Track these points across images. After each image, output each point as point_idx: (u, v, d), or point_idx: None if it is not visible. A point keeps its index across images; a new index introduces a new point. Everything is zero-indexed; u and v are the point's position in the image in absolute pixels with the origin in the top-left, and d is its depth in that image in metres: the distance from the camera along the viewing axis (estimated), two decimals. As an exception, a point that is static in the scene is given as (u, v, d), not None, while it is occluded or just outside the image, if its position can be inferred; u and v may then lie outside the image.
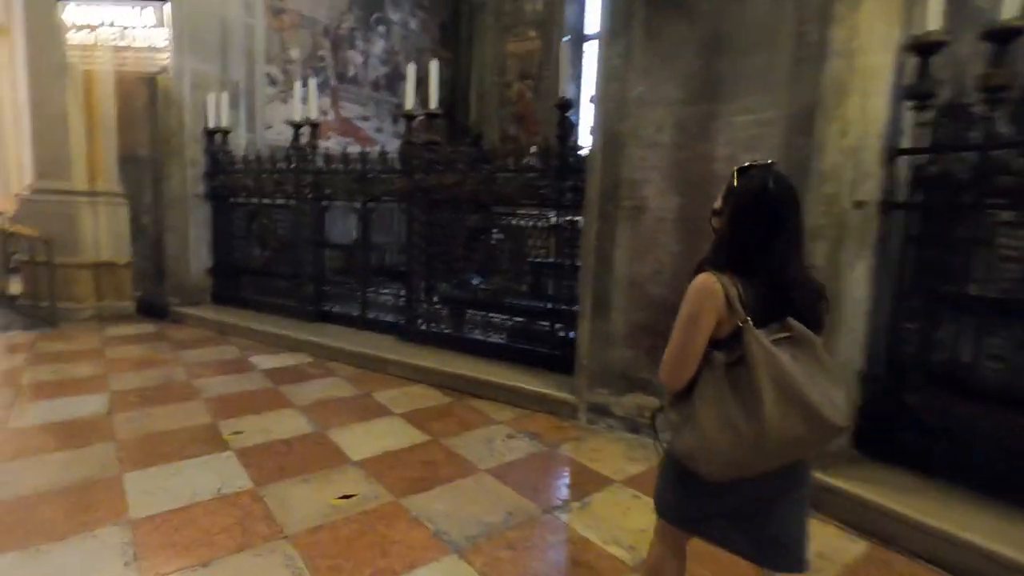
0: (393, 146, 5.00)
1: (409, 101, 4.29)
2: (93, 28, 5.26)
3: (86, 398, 3.41)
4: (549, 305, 3.84)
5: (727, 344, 1.13)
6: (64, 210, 5.53)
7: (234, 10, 6.05)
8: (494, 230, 4.13)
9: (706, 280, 1.15)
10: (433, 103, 4.23)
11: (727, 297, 1.11)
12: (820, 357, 1.12)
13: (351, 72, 7.64)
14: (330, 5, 7.18)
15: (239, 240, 5.77)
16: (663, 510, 1.34)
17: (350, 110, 7.70)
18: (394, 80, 8.37)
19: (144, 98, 5.68)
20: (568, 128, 3.65)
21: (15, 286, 5.89)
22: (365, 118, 7.98)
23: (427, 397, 3.67)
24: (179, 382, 3.79)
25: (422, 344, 4.37)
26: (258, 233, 5.62)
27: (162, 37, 5.33)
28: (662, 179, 2.90)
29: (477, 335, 4.20)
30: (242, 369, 4.17)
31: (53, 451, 2.69)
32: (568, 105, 3.65)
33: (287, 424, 3.13)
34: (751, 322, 1.10)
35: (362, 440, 2.95)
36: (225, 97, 5.70)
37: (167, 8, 5.25)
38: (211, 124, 5.70)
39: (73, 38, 5.24)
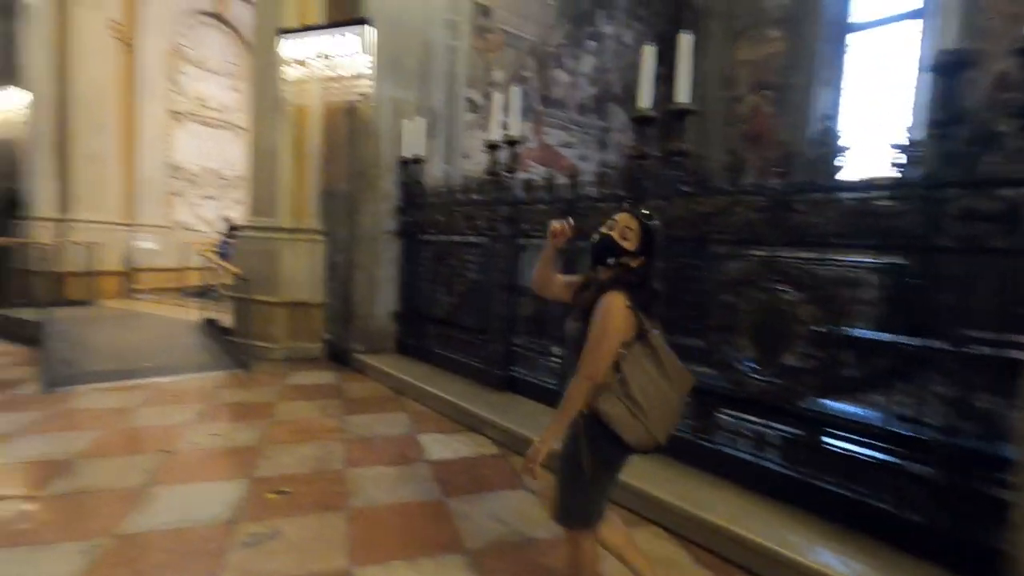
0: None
1: (644, 97, 2.99)
2: (305, 63, 5.10)
3: (219, 488, 2.68)
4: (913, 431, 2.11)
5: (632, 340, 1.56)
6: (267, 247, 5.40)
7: (438, 32, 5.54)
8: (775, 282, 2.55)
9: (620, 302, 1.54)
10: (683, 94, 2.87)
11: (635, 313, 1.55)
12: (663, 336, 1.64)
13: (556, 94, 6.73)
14: (538, 20, 6.40)
15: (426, 283, 5.04)
16: (586, 517, 1.66)
17: (553, 136, 6.78)
18: (603, 102, 7.30)
19: (344, 130, 5.37)
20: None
21: (228, 318, 5.97)
22: (568, 145, 6.99)
23: (666, 556, 2.20)
24: (330, 474, 2.91)
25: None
26: (445, 275, 4.82)
27: (365, 63, 4.94)
28: None
29: (744, 451, 2.61)
30: (407, 457, 3.18)
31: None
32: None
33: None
34: (648, 325, 1.58)
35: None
36: (423, 124, 5.12)
37: (370, 32, 4.85)
38: (406, 154, 5.14)
39: (287, 74, 5.12)
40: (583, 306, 1.63)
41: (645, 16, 7.51)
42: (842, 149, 2.38)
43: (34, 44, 8.10)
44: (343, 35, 4.92)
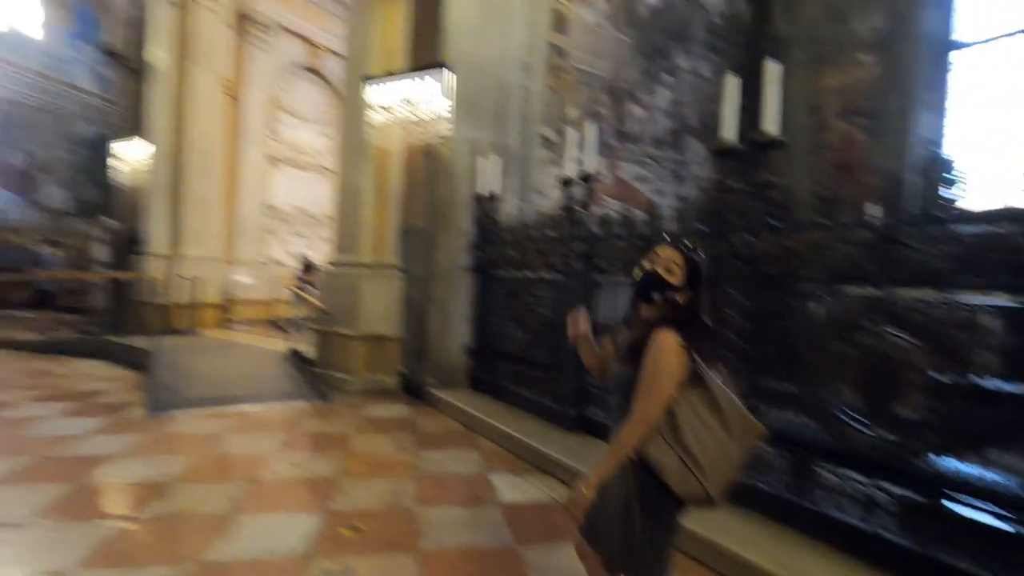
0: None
1: (728, 127, 2.88)
2: (388, 108, 5.37)
3: (297, 520, 2.72)
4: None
5: (686, 383, 1.45)
6: (350, 282, 5.63)
7: (513, 73, 5.69)
8: (883, 325, 2.30)
9: (675, 340, 1.43)
10: (770, 124, 2.73)
11: (689, 352, 1.44)
12: (728, 382, 1.51)
13: (631, 128, 6.69)
14: (612, 57, 6.44)
15: (498, 318, 5.05)
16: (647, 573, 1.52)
17: (627, 170, 6.71)
18: (679, 135, 7.16)
19: (423, 169, 5.58)
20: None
21: (312, 349, 6.24)
22: (643, 179, 6.88)
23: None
24: (402, 511, 2.89)
25: (734, 503, 2.68)
26: (517, 311, 4.80)
27: (444, 106, 5.14)
28: None
29: (850, 514, 2.32)
30: (479, 498, 3.11)
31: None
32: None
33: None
34: (703, 366, 1.45)
35: None
36: (497, 162, 5.22)
37: (449, 77, 5.05)
38: (481, 191, 5.25)
39: (372, 118, 5.41)
40: (630, 346, 1.54)
41: (722, 47, 7.36)
42: (955, 177, 2.15)
43: (158, 101, 9.15)
44: (423, 80, 5.16)
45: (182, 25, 9.26)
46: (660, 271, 1.53)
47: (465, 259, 5.36)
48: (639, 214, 3.73)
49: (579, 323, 1.77)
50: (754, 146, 2.87)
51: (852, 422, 2.34)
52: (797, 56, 7.81)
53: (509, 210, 5.44)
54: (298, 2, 11.24)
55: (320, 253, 10.31)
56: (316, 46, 11.74)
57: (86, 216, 12.61)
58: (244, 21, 10.42)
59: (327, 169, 11.81)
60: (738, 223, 2.81)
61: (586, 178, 4.02)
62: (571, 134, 4.28)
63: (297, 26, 11.33)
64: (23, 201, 14.08)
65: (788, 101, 3.71)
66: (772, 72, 2.74)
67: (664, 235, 3.45)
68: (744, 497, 2.60)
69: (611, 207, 5.97)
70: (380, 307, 5.64)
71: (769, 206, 2.75)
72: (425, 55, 5.45)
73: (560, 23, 6.17)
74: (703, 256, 1.60)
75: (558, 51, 6.16)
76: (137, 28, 9.65)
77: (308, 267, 8.97)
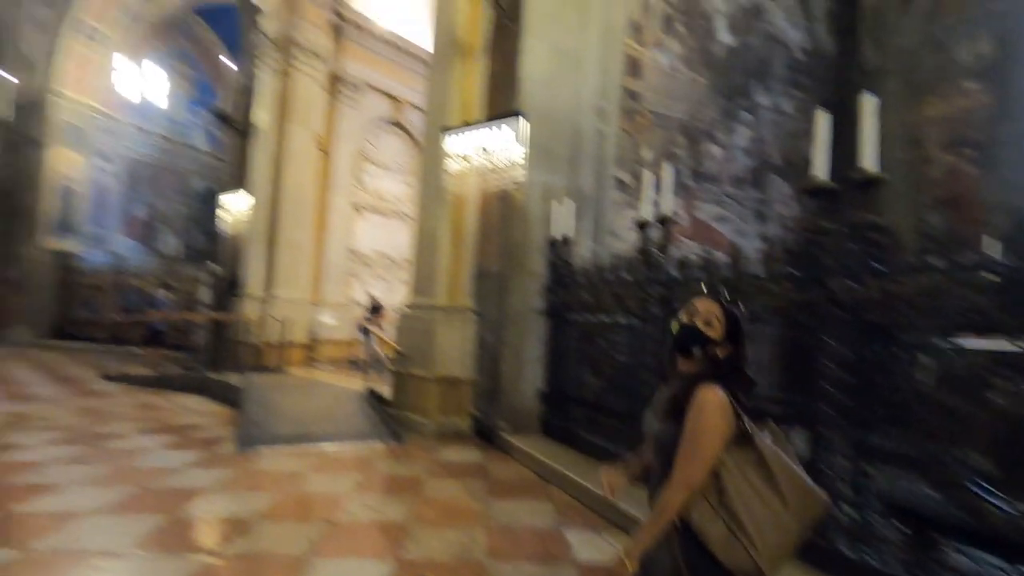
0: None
1: (820, 165, 2.71)
2: (464, 156, 5.57)
3: (370, 567, 2.71)
4: None
5: (732, 443, 1.35)
6: (425, 325, 5.76)
7: (586, 118, 5.75)
8: (1021, 382, 1.99)
9: (720, 396, 1.35)
10: (868, 160, 2.54)
11: (735, 409, 1.35)
12: (786, 445, 1.41)
13: (708, 168, 6.52)
14: (688, 98, 6.37)
15: (572, 363, 4.94)
16: None
17: (705, 211, 6.50)
18: (761, 174, 6.89)
19: (497, 214, 5.68)
20: None
21: (388, 390, 6.38)
22: (723, 219, 6.64)
23: None
24: (473, 564, 2.80)
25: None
26: (592, 356, 4.67)
27: (519, 153, 5.25)
28: None
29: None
30: (552, 555, 2.96)
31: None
32: None
33: None
34: (752, 425, 1.36)
35: None
36: (571, 206, 5.23)
37: (523, 124, 5.17)
38: (555, 234, 5.25)
39: (449, 166, 5.63)
40: (670, 402, 1.46)
41: (807, 83, 7.09)
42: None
43: (259, 157, 10.07)
44: (499, 128, 5.32)
45: (283, 89, 10.23)
46: (699, 324, 1.47)
47: (538, 302, 5.33)
48: (721, 256, 3.56)
49: (612, 485, 1.67)
50: (849, 184, 2.67)
51: (986, 495, 2.03)
52: (891, 88, 7.38)
53: (583, 253, 5.40)
54: (384, 63, 12.13)
55: (398, 295, 10.68)
56: (399, 101, 12.54)
57: (195, 261, 13.91)
58: (337, 82, 11.34)
59: (406, 215, 12.38)
60: (835, 266, 2.60)
61: (663, 220, 3.92)
62: (647, 176, 4.22)
63: (382, 84, 12.19)
64: (144, 248, 15.80)
65: (884, 135, 3.47)
66: (868, 106, 2.57)
67: (701, 286, 3.29)
68: (853, 574, 2.29)
69: (689, 249, 5.78)
70: (454, 349, 5.70)
71: (870, 248, 2.53)
72: (500, 105, 5.64)
73: (634, 67, 6.21)
74: (742, 309, 1.57)
75: (632, 95, 6.18)
76: (246, 94, 10.78)
77: (375, 308, 9.29)
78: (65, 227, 13.57)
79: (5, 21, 13.01)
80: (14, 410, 5.91)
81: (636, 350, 4.07)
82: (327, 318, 10.97)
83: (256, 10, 10.48)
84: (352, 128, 11.76)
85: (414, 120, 12.30)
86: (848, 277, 2.55)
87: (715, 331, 1.46)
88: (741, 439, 1.35)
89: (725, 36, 6.76)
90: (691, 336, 1.47)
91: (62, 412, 5.93)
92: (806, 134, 7.46)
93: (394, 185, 12.88)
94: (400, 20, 11.80)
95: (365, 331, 8.77)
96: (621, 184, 6.01)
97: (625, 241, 5.67)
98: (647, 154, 6.16)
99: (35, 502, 3.27)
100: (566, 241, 5.19)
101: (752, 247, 5.94)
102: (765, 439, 1.37)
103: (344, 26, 11.28)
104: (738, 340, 1.47)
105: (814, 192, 2.82)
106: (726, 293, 1.60)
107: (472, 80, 6.03)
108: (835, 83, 7.44)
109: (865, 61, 7.57)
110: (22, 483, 3.60)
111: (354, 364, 9.93)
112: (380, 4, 11.51)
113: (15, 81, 12.93)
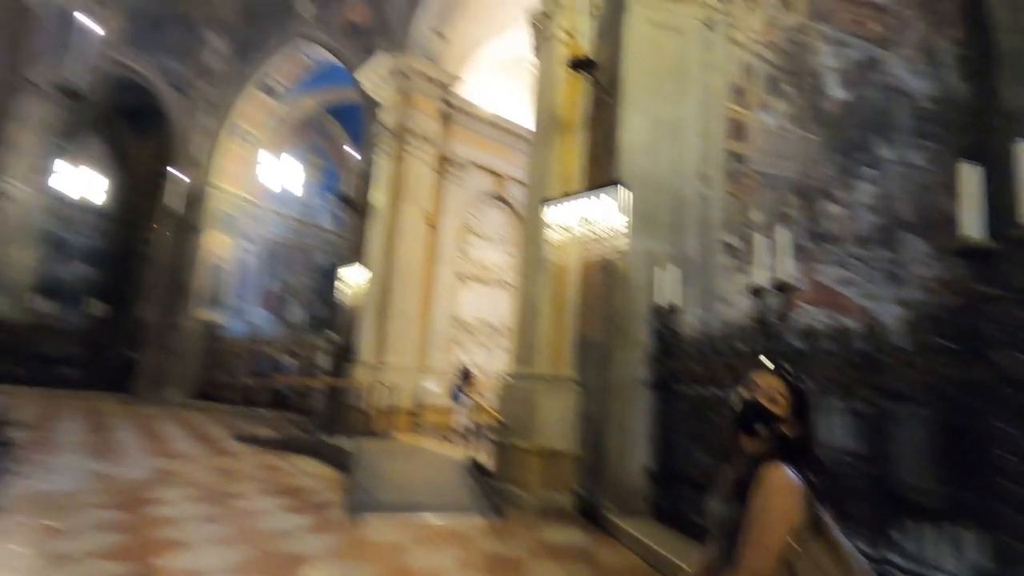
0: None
1: (970, 223, 2.39)
2: (566, 227, 5.65)
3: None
4: None
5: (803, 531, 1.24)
6: (526, 395, 5.70)
7: (689, 184, 5.64)
8: None
9: (789, 477, 1.25)
10: (1034, 217, 2.20)
11: (807, 493, 1.26)
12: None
13: (828, 228, 6.06)
14: (799, 157, 6.06)
15: (682, 439, 4.59)
16: None
17: (827, 273, 5.98)
18: (891, 232, 6.28)
19: (600, 282, 5.62)
20: None
21: (490, 460, 6.31)
22: (848, 282, 6.06)
23: None
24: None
25: None
26: (703, 432, 4.32)
27: (620, 221, 5.23)
28: None
29: None
30: (670, 663, 2.63)
31: None
32: None
33: None
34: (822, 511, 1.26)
35: None
36: (676, 272, 5.06)
37: (624, 193, 5.18)
38: (659, 301, 5.07)
39: (550, 236, 5.72)
40: (735, 483, 1.37)
41: (937, 133, 6.49)
42: None
43: (374, 233, 10.96)
44: (599, 198, 5.36)
45: (397, 172, 11.20)
46: (762, 401, 1.37)
47: (643, 372, 5.10)
48: (852, 324, 3.21)
49: None
50: (1010, 243, 2.32)
51: None
52: (1043, 130, 6.54)
53: (691, 321, 5.14)
54: (487, 142, 12.95)
55: (499, 363, 10.77)
56: (501, 176, 13.21)
57: (316, 330, 15.15)
58: (444, 163, 12.24)
59: (508, 283, 12.68)
60: (1002, 338, 2.22)
61: (781, 287, 3.64)
62: (758, 239, 3.99)
63: (486, 162, 12.96)
64: (275, 319, 17.55)
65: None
66: (1025, 155, 2.26)
67: (761, 359, 2.91)
68: None
69: (812, 315, 5.30)
70: (555, 420, 5.55)
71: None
72: (600, 175, 5.72)
73: (737, 130, 6.07)
74: (808, 383, 1.47)
75: (737, 157, 6.00)
76: (365, 178, 11.94)
77: (466, 376, 9.35)
78: (214, 300, 15.49)
79: (181, 130, 15.76)
80: (163, 466, 6.58)
81: (756, 428, 3.70)
82: (431, 384, 11.27)
83: (376, 105, 11.80)
84: (457, 203, 12.50)
85: (516, 193, 12.84)
86: (1019, 351, 2.17)
87: (780, 408, 1.37)
88: (815, 527, 1.26)
89: (837, 91, 6.45)
90: (756, 413, 1.38)
91: (199, 470, 6.50)
92: (942, 187, 6.78)
93: (496, 255, 13.34)
94: (502, 103, 12.66)
95: (456, 397, 8.86)
96: (729, 248, 5.74)
97: (736, 307, 5.34)
98: (756, 216, 5.87)
99: (171, 558, 3.53)
100: (672, 309, 4.99)
101: (887, 312, 5.34)
102: (832, 526, 1.27)
103: (452, 112, 12.28)
104: (806, 417, 1.38)
105: (965, 253, 2.49)
106: (788, 366, 1.44)
107: (572, 153, 6.21)
108: (974, 130, 6.74)
109: (1005, 103, 6.83)
110: (163, 538, 3.92)
111: (456, 432, 10.01)
112: (485, 90, 12.48)
113: (187, 180, 15.42)
